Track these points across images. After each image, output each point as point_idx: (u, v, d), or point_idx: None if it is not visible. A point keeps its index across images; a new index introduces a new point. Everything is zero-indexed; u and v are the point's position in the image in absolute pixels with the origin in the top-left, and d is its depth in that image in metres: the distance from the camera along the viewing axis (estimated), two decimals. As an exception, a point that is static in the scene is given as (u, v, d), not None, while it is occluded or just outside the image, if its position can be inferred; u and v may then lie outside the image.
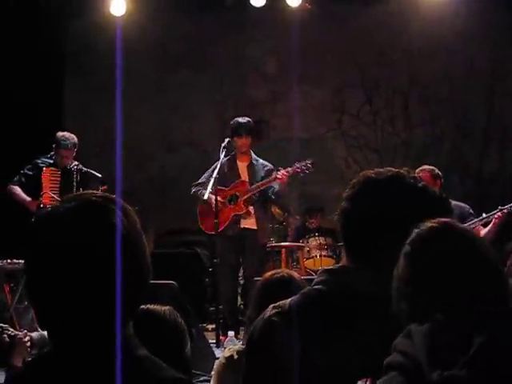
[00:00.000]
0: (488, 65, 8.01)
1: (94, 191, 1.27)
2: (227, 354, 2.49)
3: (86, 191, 1.29)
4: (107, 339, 1.17)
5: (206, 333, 5.65)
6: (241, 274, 5.98)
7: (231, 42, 8.32)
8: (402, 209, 1.52)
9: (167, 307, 2.07)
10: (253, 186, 5.62)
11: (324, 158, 8.17)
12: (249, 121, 5.78)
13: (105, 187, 5.56)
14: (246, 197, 5.61)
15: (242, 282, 6.07)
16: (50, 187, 5.61)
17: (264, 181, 5.60)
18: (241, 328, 5.53)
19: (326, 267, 1.67)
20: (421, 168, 5.40)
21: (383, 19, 7.95)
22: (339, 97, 8.28)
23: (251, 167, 5.74)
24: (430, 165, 6.70)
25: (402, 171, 1.60)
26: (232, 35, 8.30)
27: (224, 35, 8.30)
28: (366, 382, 1.30)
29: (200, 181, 5.76)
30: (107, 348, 1.17)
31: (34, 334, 2.78)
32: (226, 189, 5.62)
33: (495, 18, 7.80)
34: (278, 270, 2.66)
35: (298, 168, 5.57)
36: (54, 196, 5.53)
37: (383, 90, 8.23)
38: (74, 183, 5.65)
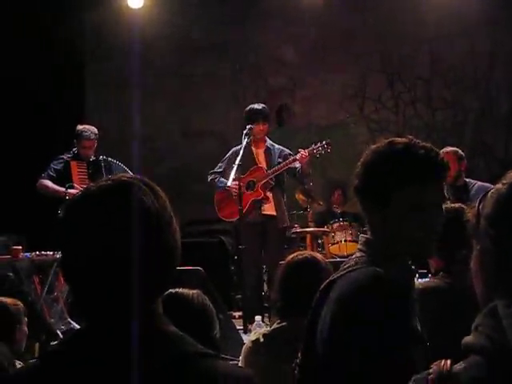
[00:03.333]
0: (509, 46, 7.89)
1: (127, 174, 1.30)
2: (253, 337, 2.51)
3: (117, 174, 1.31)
4: (137, 315, 1.20)
5: (233, 320, 5.69)
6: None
7: (250, 30, 8.31)
8: (379, 172, 1.67)
9: (195, 291, 2.10)
10: (270, 171, 5.64)
11: (346, 144, 8.14)
12: (264, 107, 5.79)
13: None
14: (263, 182, 5.62)
15: (266, 268, 6.09)
16: (79, 179, 5.67)
17: (281, 164, 5.61)
18: (265, 314, 5.55)
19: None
20: (444, 149, 5.35)
21: (406, 2, 7.88)
22: (360, 82, 8.23)
23: (267, 153, 5.75)
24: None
25: (389, 140, 1.74)
26: (251, 23, 8.28)
27: (243, 23, 8.29)
28: (445, 363, 1.15)
29: (217, 169, 5.79)
30: (137, 324, 1.19)
31: None
32: (243, 176, 5.62)
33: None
34: (301, 252, 2.67)
35: (315, 149, 5.55)
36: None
37: (405, 74, 8.16)
38: (104, 173, 5.69)
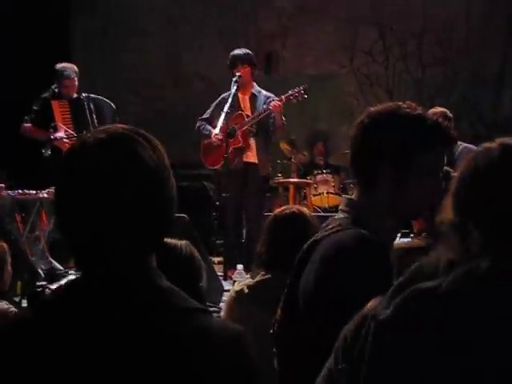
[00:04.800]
0: (506, 12, 7.82)
1: (123, 125, 1.28)
2: (237, 287, 2.55)
3: (114, 124, 1.29)
4: (133, 268, 1.21)
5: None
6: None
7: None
8: (399, 138, 1.69)
9: (183, 241, 2.11)
10: (248, 118, 5.57)
11: (334, 95, 8.12)
12: (247, 52, 5.69)
13: (119, 123, 5.53)
14: (242, 129, 5.58)
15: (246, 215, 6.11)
16: (62, 119, 5.59)
17: (258, 111, 5.54)
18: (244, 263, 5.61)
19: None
20: (433, 109, 5.36)
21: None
22: (352, 33, 8.14)
23: (253, 99, 5.68)
24: (441, 106, 6.66)
25: (399, 103, 1.77)
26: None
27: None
28: None
29: (204, 116, 5.73)
30: (132, 277, 1.21)
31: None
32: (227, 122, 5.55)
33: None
34: (289, 206, 2.69)
35: (291, 95, 5.49)
36: (68, 129, 5.53)
37: (397, 28, 8.08)
38: (87, 112, 5.60)
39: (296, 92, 5.49)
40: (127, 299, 1.18)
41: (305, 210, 2.60)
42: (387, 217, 1.78)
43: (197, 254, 2.17)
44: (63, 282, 3.29)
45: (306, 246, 1.79)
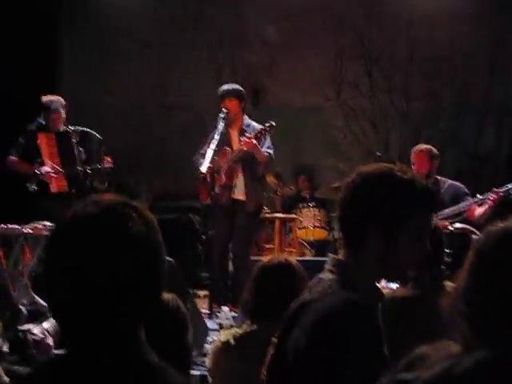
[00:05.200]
0: (490, 43, 7.95)
1: (115, 196, 1.27)
2: (223, 338, 2.53)
3: (106, 195, 1.28)
4: (119, 344, 1.20)
5: (197, 299, 5.73)
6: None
7: (231, 5, 8.21)
8: (391, 201, 1.71)
9: (170, 295, 2.09)
10: (229, 157, 5.55)
11: (320, 128, 8.17)
12: (235, 87, 5.66)
13: (108, 163, 5.52)
14: (225, 167, 5.58)
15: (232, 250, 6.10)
16: (49, 153, 5.54)
17: (235, 150, 5.51)
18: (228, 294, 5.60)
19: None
20: (419, 147, 5.41)
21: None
22: (338, 66, 8.22)
23: (242, 134, 5.62)
24: (426, 139, 6.74)
25: (391, 166, 1.79)
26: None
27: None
28: None
29: (201, 151, 5.68)
30: (119, 353, 1.20)
31: (51, 328, 2.83)
32: (216, 159, 5.55)
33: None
34: (277, 256, 2.69)
35: (258, 132, 5.43)
36: (54, 164, 5.49)
37: (383, 62, 8.17)
38: (74, 145, 5.56)
39: (262, 128, 5.46)
40: (118, 376, 1.17)
41: (293, 260, 2.60)
42: (375, 277, 1.80)
43: (182, 306, 2.15)
44: (45, 324, 3.26)
45: (294, 305, 1.78)
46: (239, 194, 5.63)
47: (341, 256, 1.81)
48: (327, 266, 1.83)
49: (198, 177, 5.52)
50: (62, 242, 1.21)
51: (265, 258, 2.66)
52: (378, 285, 1.85)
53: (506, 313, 1.11)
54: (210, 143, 5.47)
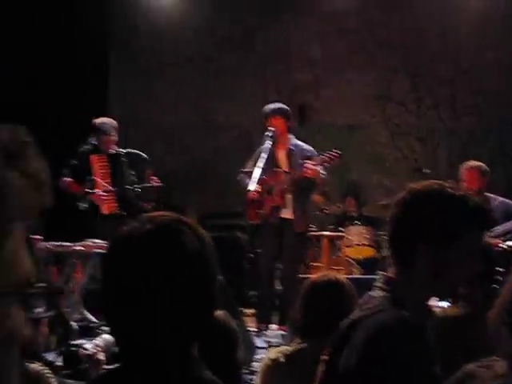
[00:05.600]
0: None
1: (168, 213, 1.30)
2: (273, 355, 2.53)
3: (158, 212, 1.31)
4: (173, 360, 1.21)
5: (245, 317, 5.73)
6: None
7: (278, 26, 8.28)
8: (441, 218, 1.70)
9: (220, 312, 2.12)
10: (283, 178, 5.54)
11: (367, 145, 8.14)
12: (280, 106, 5.66)
13: (156, 182, 5.62)
14: (280, 189, 5.58)
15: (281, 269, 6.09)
16: (101, 174, 5.67)
17: (296, 173, 5.47)
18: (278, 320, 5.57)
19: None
20: (469, 164, 5.32)
21: (435, 7, 7.83)
22: (384, 83, 8.19)
23: (290, 154, 5.63)
24: (474, 155, 6.62)
25: (442, 183, 1.78)
26: (279, 18, 8.26)
27: (270, 18, 8.27)
28: None
29: (245, 169, 5.71)
30: (173, 368, 1.21)
31: (102, 343, 2.89)
32: (265, 178, 5.55)
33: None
34: (327, 273, 2.68)
35: (325, 160, 5.41)
36: (105, 184, 5.61)
37: (429, 78, 8.11)
38: (124, 167, 5.67)
39: (330, 157, 5.39)
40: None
41: (342, 277, 2.59)
42: (425, 295, 1.78)
43: (233, 323, 2.17)
44: (98, 341, 3.32)
45: (345, 323, 1.78)
46: (287, 213, 5.61)
47: (390, 273, 1.80)
48: (377, 284, 1.82)
49: (244, 195, 5.55)
50: (118, 259, 1.23)
51: (314, 276, 2.65)
52: (428, 303, 1.83)
53: None
54: (256, 161, 5.48)
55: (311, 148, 5.65)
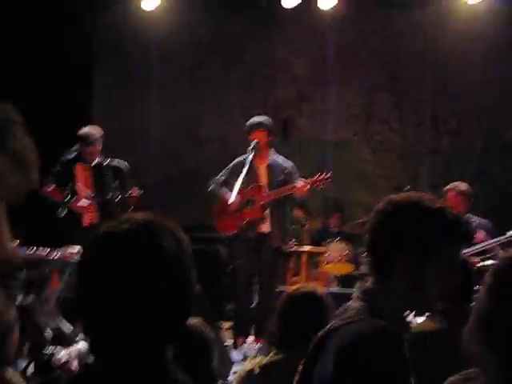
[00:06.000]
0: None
1: (146, 214, 1.28)
2: (248, 366, 2.51)
3: (135, 213, 1.30)
4: (149, 360, 1.20)
5: (222, 331, 5.69)
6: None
7: (262, 41, 8.33)
8: (420, 229, 1.70)
9: (196, 320, 2.10)
10: (269, 193, 5.50)
11: (349, 162, 8.18)
12: (264, 118, 5.64)
13: (136, 192, 5.60)
14: (261, 203, 5.57)
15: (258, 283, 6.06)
16: (84, 183, 5.61)
17: (281, 189, 5.45)
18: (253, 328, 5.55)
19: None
20: (458, 188, 5.28)
21: (418, 26, 7.92)
22: (367, 101, 8.25)
23: (269, 169, 5.62)
24: (456, 175, 6.66)
25: (421, 195, 1.79)
26: (263, 34, 8.31)
27: (255, 34, 8.32)
28: None
29: (218, 177, 5.70)
30: (148, 369, 1.20)
31: (75, 351, 2.85)
32: (244, 190, 5.53)
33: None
34: (303, 285, 2.67)
35: (315, 181, 5.41)
36: (87, 190, 5.58)
37: (413, 97, 8.19)
38: (107, 178, 5.65)
39: (321, 180, 5.40)
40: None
41: (319, 289, 2.58)
42: (402, 306, 1.78)
43: (209, 334, 2.15)
44: (71, 349, 3.27)
45: (321, 333, 1.77)
46: (264, 226, 5.60)
47: (369, 283, 1.80)
48: (355, 294, 1.82)
49: (213, 206, 5.56)
50: (93, 258, 1.22)
51: (291, 288, 2.64)
52: (405, 316, 1.83)
53: None
54: (232, 172, 5.52)
55: (291, 163, 5.63)
